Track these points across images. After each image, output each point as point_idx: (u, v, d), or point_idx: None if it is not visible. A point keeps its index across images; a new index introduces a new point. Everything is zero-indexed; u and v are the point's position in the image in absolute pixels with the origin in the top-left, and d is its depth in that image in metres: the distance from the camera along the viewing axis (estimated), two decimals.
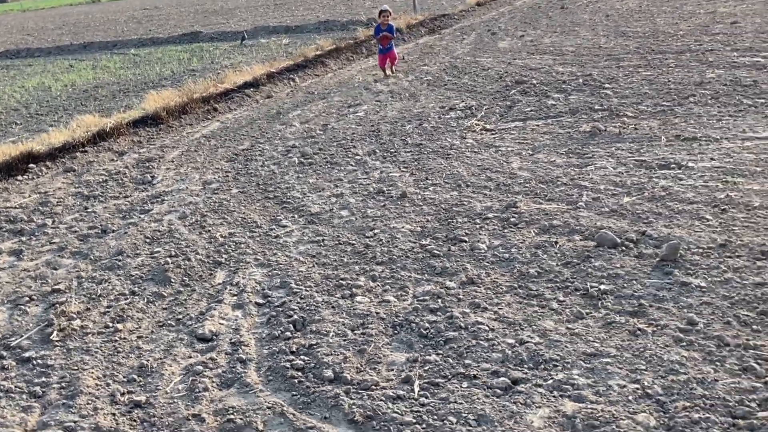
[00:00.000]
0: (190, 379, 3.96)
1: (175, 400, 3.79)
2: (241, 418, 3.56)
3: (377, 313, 4.48)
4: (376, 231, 5.79)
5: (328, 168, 7.65)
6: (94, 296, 5.12)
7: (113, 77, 15.71)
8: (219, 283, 5.16)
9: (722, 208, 5.33)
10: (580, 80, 10.02)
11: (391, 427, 3.38)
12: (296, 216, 6.35)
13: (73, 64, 19.05)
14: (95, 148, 9.08)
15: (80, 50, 22.26)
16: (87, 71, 17.19)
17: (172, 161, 8.56)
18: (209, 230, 6.18)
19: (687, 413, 3.22)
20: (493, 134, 8.16)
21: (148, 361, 4.19)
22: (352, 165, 7.67)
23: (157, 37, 22.92)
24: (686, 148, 6.73)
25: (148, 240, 6.07)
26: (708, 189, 5.71)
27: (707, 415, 3.20)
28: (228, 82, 11.98)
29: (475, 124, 8.65)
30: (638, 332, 3.93)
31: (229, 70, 12.66)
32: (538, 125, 8.28)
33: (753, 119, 7.30)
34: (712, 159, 6.33)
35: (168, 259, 5.60)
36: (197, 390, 3.86)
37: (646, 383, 3.48)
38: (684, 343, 3.78)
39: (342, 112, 10.21)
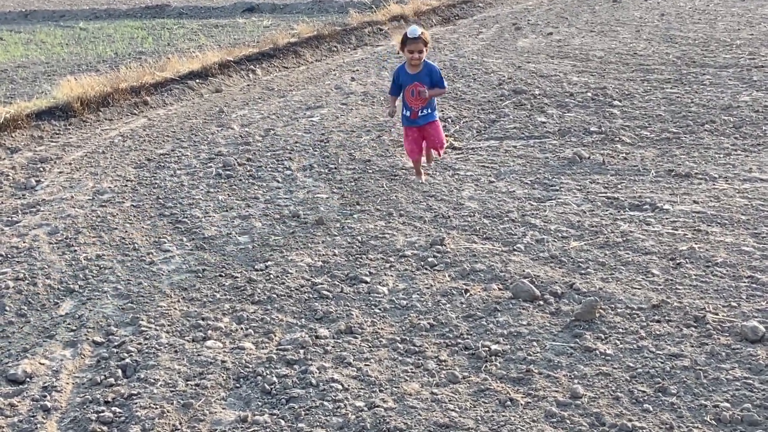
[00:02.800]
0: None
1: None
2: None
3: (224, 362, 4.75)
4: (269, 263, 6.08)
5: (247, 183, 7.97)
6: None
7: (44, 56, 16.24)
8: (60, 315, 5.47)
9: (677, 262, 5.55)
10: (590, 94, 10.28)
11: None
12: (185, 239, 6.66)
13: (4, 36, 19.66)
14: None
15: (20, 20, 22.94)
16: (17, 47, 17.76)
17: (70, 164, 8.93)
18: (75, 250, 6.50)
19: None
20: (458, 154, 8.44)
21: None
22: (277, 181, 7.98)
23: (116, 8, 23.56)
24: (673, 186, 6.95)
25: None
26: (673, 238, 5.93)
27: None
28: (169, 70, 12.40)
29: None
30: (509, 403, 4.16)
31: (174, 56, 13.08)
32: (515, 146, 8.54)
33: None
34: (695, 202, 6.55)
35: (11, 282, 5.93)
36: None
37: None
38: (554, 420, 4.01)
39: (295, 115, 10.55)
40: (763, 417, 3.90)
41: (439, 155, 8.04)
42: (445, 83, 7.56)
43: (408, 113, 7.57)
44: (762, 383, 4.14)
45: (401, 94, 7.56)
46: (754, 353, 4.40)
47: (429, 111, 7.54)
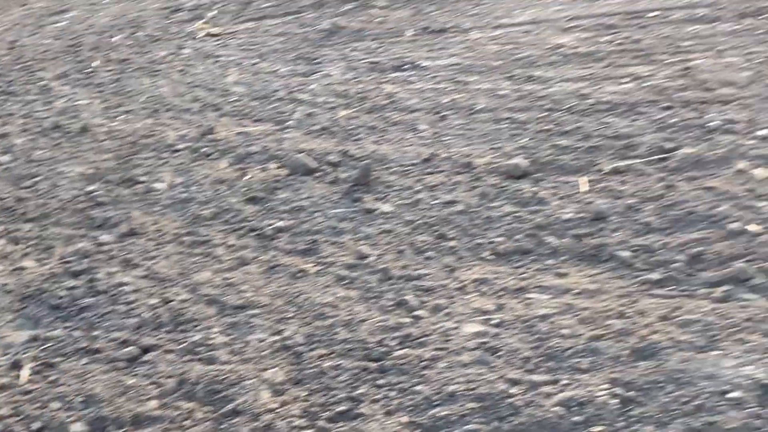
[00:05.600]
0: None
1: None
2: None
3: (5, 285, 4.61)
4: (37, 179, 5.87)
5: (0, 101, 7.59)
6: None
7: None
8: None
9: (442, 114, 5.78)
10: None
11: None
12: None
13: None
14: None
15: None
16: None
17: None
18: None
19: (320, 362, 3.60)
20: (217, 40, 8.33)
21: None
22: (32, 94, 7.64)
23: None
24: (429, 43, 7.17)
25: None
26: (435, 92, 6.15)
27: (340, 361, 3.59)
28: None
29: (200, 28, 8.76)
30: (300, 274, 4.28)
31: None
32: (273, 25, 8.51)
33: (515, 1, 7.83)
34: (452, 55, 6.78)
35: None
36: None
37: (287, 334, 3.83)
38: (345, 282, 4.16)
39: (41, 23, 10.06)
40: (533, 244, 4.21)
41: None
42: None
43: None
44: (530, 214, 4.45)
45: None
46: (520, 188, 4.70)
47: None
